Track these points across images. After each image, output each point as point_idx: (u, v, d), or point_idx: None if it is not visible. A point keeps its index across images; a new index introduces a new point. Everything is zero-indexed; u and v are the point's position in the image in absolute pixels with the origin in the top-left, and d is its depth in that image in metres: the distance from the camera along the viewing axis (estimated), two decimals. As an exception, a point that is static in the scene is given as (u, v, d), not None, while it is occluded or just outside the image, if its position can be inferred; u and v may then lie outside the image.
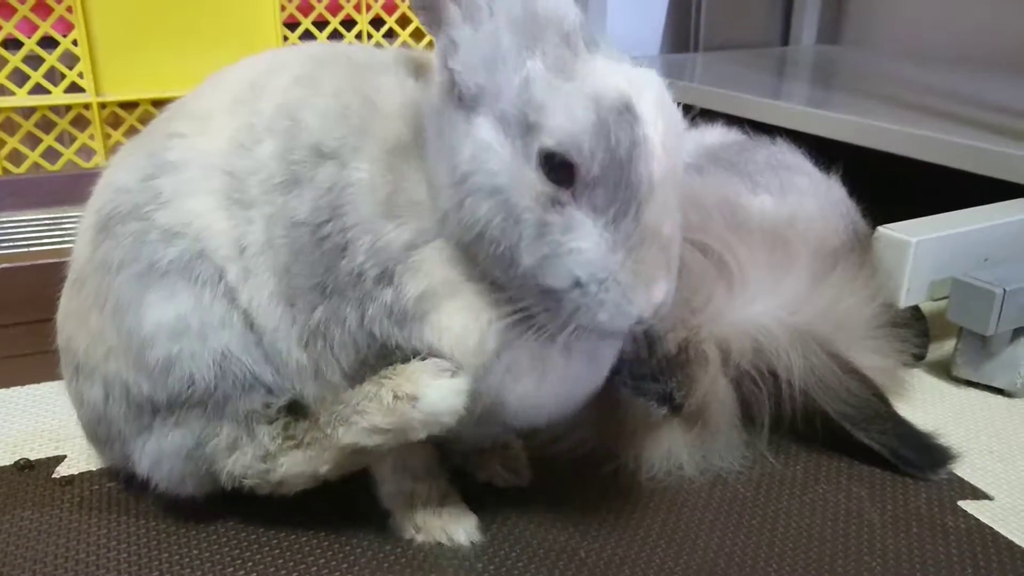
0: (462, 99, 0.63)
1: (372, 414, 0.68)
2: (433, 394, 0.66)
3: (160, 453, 0.76)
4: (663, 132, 0.60)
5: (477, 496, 0.82)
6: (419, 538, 0.78)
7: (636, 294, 0.60)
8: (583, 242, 0.60)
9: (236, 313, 0.72)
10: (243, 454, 0.75)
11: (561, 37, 0.61)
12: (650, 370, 0.89)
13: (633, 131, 0.59)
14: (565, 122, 0.59)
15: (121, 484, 0.87)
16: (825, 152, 1.29)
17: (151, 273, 0.72)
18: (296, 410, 0.75)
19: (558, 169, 0.60)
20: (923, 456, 0.90)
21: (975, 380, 1.08)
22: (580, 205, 0.60)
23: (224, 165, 0.72)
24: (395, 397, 0.67)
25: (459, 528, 0.78)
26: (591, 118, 0.59)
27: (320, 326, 0.69)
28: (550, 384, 0.69)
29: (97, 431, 0.80)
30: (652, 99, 0.61)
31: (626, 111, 0.59)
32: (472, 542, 0.78)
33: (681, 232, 0.64)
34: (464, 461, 0.87)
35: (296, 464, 0.74)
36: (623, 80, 0.61)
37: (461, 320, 0.66)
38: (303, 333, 0.70)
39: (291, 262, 0.69)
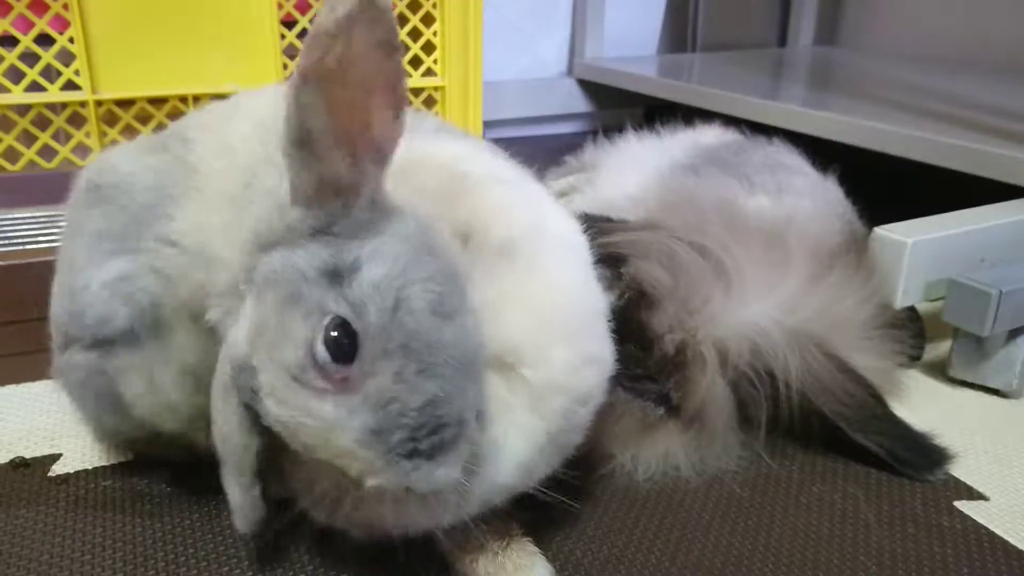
0: None
1: None
2: None
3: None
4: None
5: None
6: None
7: None
8: None
9: None
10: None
11: None
12: (647, 371, 0.90)
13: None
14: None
15: (117, 482, 0.86)
16: (822, 153, 1.30)
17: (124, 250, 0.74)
18: None
19: None
20: (919, 457, 0.90)
21: (971, 381, 1.08)
22: None
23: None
24: None
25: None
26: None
27: None
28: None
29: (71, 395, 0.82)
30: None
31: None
32: None
33: None
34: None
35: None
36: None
37: None
38: None
39: None
